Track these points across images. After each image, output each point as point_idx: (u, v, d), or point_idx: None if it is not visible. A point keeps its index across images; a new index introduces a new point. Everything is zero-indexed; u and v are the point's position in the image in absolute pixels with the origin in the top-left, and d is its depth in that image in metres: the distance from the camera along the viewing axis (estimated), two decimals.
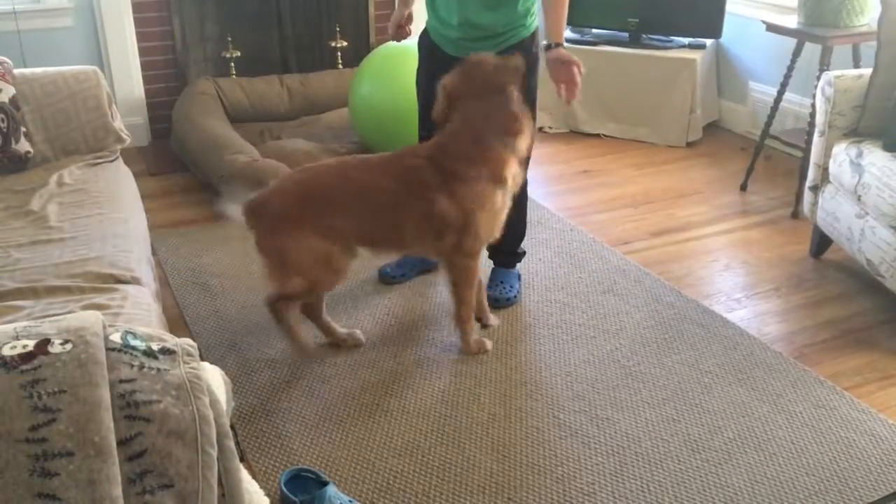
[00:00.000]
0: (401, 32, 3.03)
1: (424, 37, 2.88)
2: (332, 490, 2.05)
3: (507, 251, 3.05)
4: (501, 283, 3.00)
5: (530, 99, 2.78)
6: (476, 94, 2.48)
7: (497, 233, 2.62)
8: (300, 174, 2.58)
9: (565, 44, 2.64)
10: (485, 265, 3.13)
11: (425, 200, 2.47)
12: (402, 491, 2.14)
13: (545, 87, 2.78)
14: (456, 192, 2.46)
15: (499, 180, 2.49)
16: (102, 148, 2.94)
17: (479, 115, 2.47)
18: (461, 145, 2.48)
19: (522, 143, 2.52)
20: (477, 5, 2.63)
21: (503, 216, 2.59)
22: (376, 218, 2.51)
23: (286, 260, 2.49)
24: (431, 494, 2.13)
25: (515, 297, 2.99)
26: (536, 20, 2.77)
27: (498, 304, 2.95)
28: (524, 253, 3.10)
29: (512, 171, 2.52)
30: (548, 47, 2.63)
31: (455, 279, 2.62)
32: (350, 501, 2.05)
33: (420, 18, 2.92)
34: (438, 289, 3.07)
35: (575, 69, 2.57)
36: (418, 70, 2.94)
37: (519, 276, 3.08)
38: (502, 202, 2.55)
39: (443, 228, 2.50)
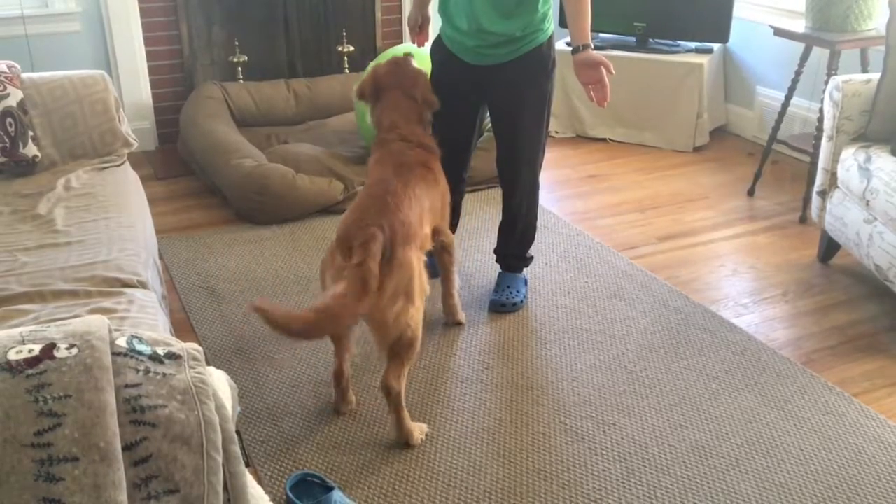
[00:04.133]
0: (418, 39, 3.00)
1: (438, 46, 2.84)
2: (337, 495, 2.04)
3: (516, 256, 3.05)
4: (508, 287, 3.00)
5: (546, 103, 2.78)
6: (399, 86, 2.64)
7: None
8: (373, 190, 2.41)
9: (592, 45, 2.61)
10: (492, 269, 3.14)
11: (433, 173, 2.59)
12: (407, 496, 2.13)
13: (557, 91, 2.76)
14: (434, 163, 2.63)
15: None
16: (110, 152, 2.94)
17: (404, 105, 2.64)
18: (413, 125, 2.63)
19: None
20: (490, 13, 2.61)
21: None
22: (434, 210, 2.57)
23: (413, 289, 2.23)
24: (437, 500, 2.12)
25: (522, 301, 2.99)
26: (553, 25, 2.76)
27: (504, 308, 2.94)
28: (532, 258, 3.09)
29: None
30: (575, 50, 2.60)
31: (452, 257, 2.77)
32: None
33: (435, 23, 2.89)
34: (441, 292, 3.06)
35: (603, 70, 2.55)
36: (431, 80, 2.90)
37: (525, 281, 3.07)
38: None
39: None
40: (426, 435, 2.33)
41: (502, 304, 2.95)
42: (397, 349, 2.23)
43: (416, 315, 2.24)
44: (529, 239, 3.04)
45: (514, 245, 3.03)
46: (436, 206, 2.59)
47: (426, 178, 2.53)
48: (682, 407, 2.47)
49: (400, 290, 2.18)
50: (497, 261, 3.09)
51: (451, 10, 2.70)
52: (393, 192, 2.34)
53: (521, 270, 3.08)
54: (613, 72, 2.57)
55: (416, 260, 2.27)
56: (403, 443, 2.29)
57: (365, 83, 2.70)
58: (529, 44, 2.69)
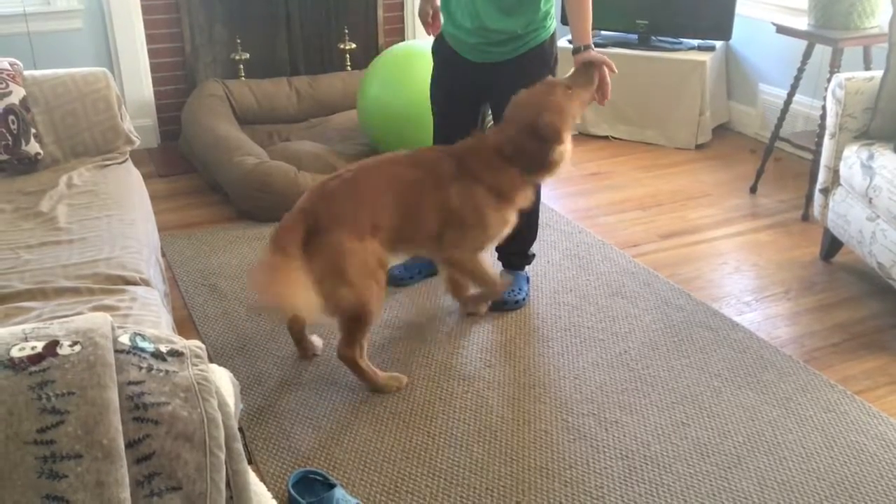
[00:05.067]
0: (431, 29, 2.92)
1: (440, 43, 2.84)
2: (339, 492, 2.04)
3: (518, 253, 3.05)
4: (510, 285, 2.99)
5: None
6: (523, 121, 2.50)
7: (492, 242, 2.68)
8: (339, 178, 2.47)
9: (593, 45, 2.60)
10: (494, 267, 3.13)
11: (441, 190, 2.52)
12: (409, 493, 2.13)
13: None
14: (465, 186, 2.52)
15: (505, 198, 2.56)
16: (112, 150, 2.95)
17: (518, 142, 2.50)
18: (487, 153, 2.54)
19: (545, 177, 2.62)
20: (493, 11, 2.61)
21: (504, 230, 2.64)
22: (409, 211, 2.49)
23: (343, 269, 2.33)
24: (439, 497, 2.12)
25: (524, 299, 2.98)
26: (555, 22, 2.75)
27: (506, 306, 2.94)
28: (534, 255, 3.09)
29: (522, 195, 2.60)
30: (576, 51, 2.59)
31: (463, 272, 2.69)
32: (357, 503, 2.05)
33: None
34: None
35: (605, 69, 2.56)
36: (433, 77, 2.90)
37: (528, 279, 3.07)
38: (505, 217, 2.60)
39: (449, 220, 2.54)
40: (405, 384, 2.53)
41: (504, 301, 2.94)
42: (343, 322, 2.39)
43: (348, 294, 2.32)
44: (531, 236, 3.04)
45: (516, 243, 3.02)
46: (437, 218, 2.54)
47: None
48: (684, 405, 2.47)
49: (326, 271, 2.29)
50: (499, 258, 3.09)
51: (454, 8, 2.70)
52: (344, 179, 2.43)
53: (522, 268, 3.08)
54: (616, 70, 2.57)
55: (349, 242, 2.33)
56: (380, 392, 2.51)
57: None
58: (531, 41, 2.69)
